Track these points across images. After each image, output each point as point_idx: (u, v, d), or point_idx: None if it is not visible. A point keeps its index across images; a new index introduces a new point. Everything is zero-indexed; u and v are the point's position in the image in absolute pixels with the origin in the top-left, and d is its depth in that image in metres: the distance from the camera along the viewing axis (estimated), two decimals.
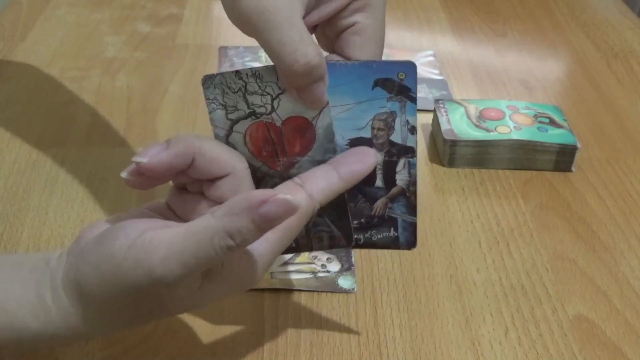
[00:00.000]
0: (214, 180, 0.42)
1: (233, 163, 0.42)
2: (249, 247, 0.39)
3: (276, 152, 0.44)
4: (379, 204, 0.46)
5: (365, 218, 0.46)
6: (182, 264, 0.36)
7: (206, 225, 0.36)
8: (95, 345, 0.49)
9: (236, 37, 0.85)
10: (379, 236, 0.47)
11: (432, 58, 0.86)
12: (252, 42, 0.41)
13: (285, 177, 0.44)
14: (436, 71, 0.83)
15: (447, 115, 0.70)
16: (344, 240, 0.46)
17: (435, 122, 0.71)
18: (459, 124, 0.69)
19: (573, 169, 0.69)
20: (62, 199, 0.62)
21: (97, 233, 0.39)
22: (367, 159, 0.43)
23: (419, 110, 0.45)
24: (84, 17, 0.91)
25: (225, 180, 0.42)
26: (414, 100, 0.44)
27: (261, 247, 0.40)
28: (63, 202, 0.61)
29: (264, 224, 0.36)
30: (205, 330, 0.51)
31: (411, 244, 0.47)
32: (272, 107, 0.43)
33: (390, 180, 0.46)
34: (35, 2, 0.94)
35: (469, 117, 0.70)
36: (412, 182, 0.46)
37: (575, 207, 0.64)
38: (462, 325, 0.52)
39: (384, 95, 0.43)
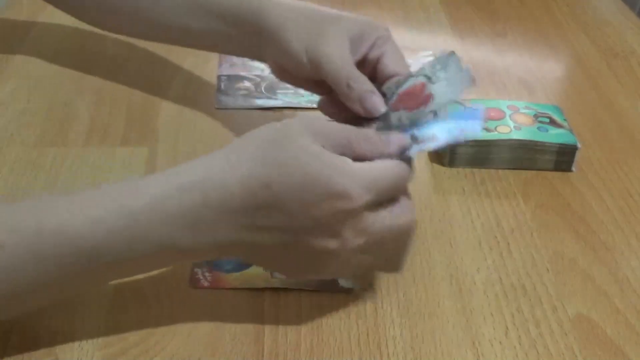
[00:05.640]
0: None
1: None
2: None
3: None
4: None
5: None
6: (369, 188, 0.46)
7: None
8: (94, 344, 0.49)
9: None
10: None
11: (432, 58, 0.86)
12: None
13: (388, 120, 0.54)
14: None
15: None
16: None
17: None
18: None
19: (573, 169, 0.69)
20: None
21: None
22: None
23: None
24: None
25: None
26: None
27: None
28: None
29: None
30: (205, 330, 0.51)
31: None
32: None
33: None
34: (36, 1, 0.94)
35: None
36: None
37: (575, 207, 0.64)
38: (462, 325, 0.52)
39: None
